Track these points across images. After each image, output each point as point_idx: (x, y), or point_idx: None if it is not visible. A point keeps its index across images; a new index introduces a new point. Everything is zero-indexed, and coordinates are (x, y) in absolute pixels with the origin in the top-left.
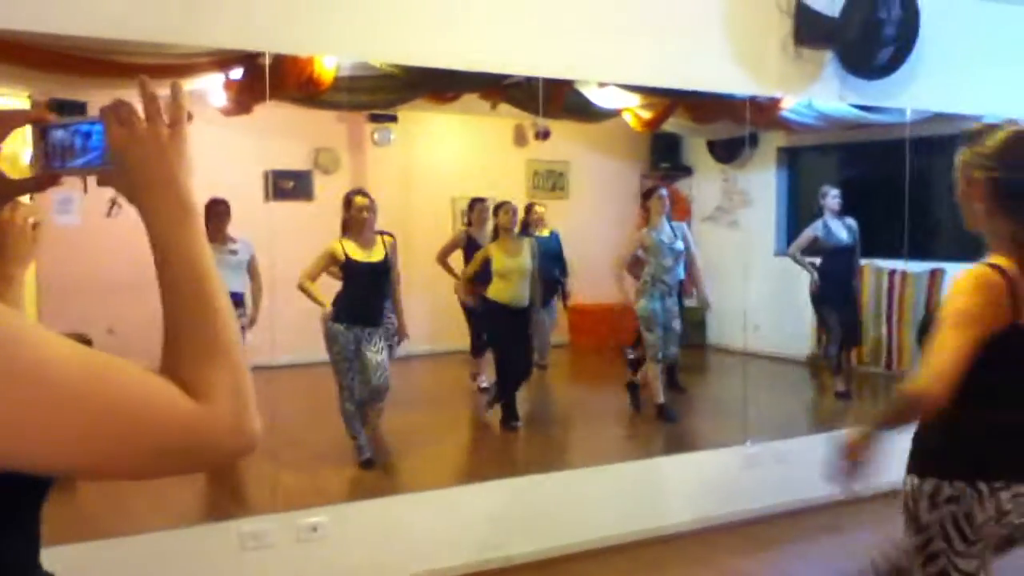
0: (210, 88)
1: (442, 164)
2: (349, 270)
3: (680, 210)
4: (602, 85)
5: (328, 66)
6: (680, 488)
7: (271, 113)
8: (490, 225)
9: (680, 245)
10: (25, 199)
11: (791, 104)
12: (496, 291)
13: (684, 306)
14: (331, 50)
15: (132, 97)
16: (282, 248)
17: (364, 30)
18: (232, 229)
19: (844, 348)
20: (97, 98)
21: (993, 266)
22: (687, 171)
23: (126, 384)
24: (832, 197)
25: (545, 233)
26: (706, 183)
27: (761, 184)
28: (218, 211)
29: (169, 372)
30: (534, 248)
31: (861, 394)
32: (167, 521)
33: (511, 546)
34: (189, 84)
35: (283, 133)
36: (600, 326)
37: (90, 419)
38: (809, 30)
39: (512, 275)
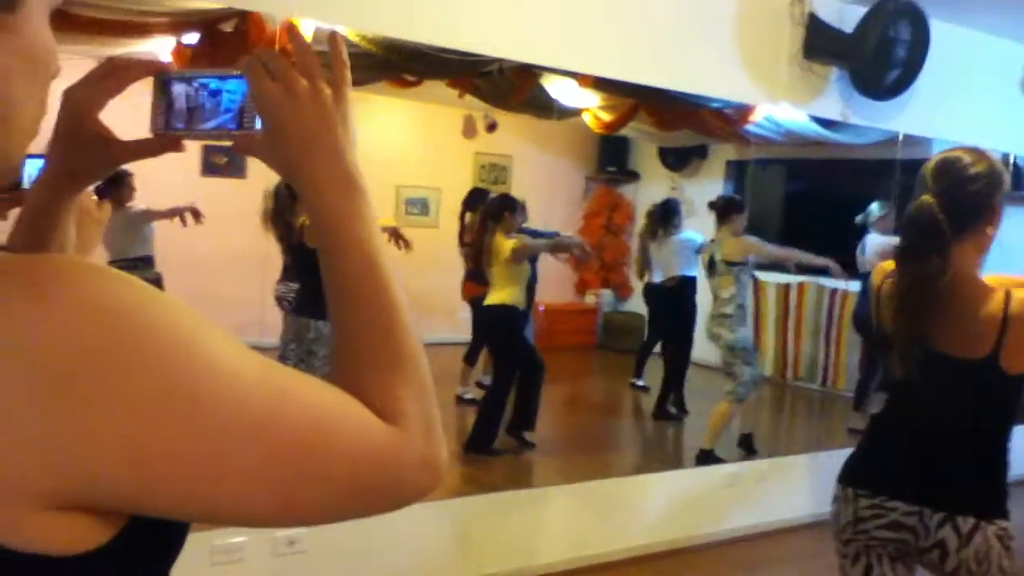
0: (158, 52)
1: (388, 151)
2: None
3: (623, 215)
4: (584, 80)
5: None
6: (658, 507)
7: None
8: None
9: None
10: None
11: (758, 118)
12: (509, 295)
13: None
14: (314, 15)
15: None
16: (211, 225)
17: None
18: (164, 204)
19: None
20: None
21: None
22: (634, 176)
23: (313, 406)
24: (892, 220)
25: None
26: (652, 189)
27: (707, 195)
28: (132, 184)
29: (346, 388)
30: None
31: (795, 410)
32: None
33: (490, 564)
34: (138, 46)
35: None
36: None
37: (268, 452)
38: (820, 44)
39: (524, 276)
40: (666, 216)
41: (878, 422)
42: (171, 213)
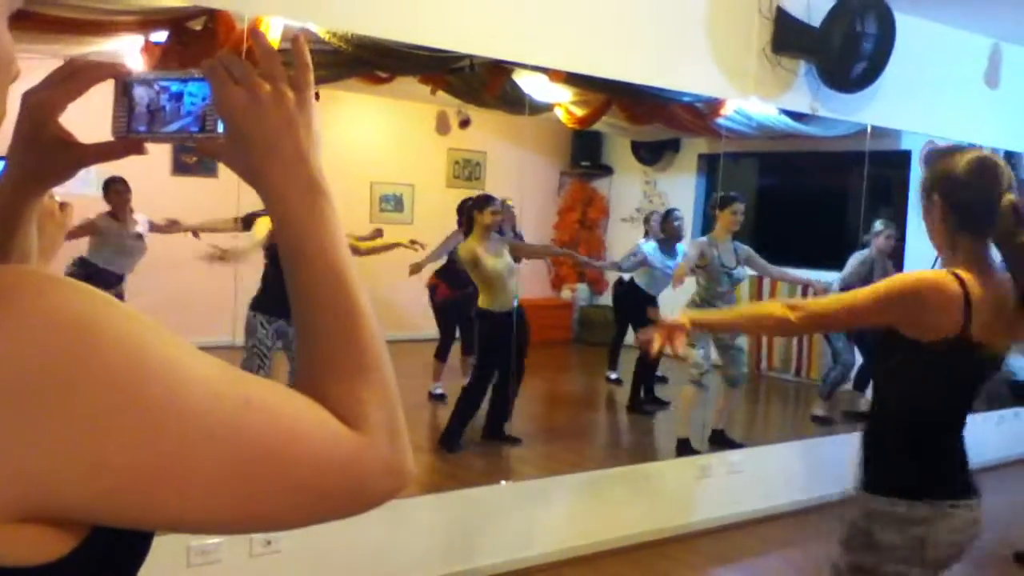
0: (125, 51)
1: (362, 148)
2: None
3: (597, 209)
4: (555, 76)
5: (274, 36)
6: (634, 498)
7: None
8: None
9: (740, 272)
10: None
11: (729, 111)
12: (489, 299)
13: (596, 304)
14: (283, 12)
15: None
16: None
17: None
18: (134, 206)
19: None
20: None
21: (954, 274)
22: (607, 171)
23: (277, 413)
24: (886, 237)
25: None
26: (625, 184)
27: (680, 189)
28: (118, 189)
29: (310, 393)
30: (511, 246)
31: (770, 400)
32: None
33: (466, 559)
34: (105, 45)
35: None
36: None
37: (232, 461)
38: (788, 38)
39: (502, 278)
40: (662, 221)
41: (920, 428)
42: (168, 227)
